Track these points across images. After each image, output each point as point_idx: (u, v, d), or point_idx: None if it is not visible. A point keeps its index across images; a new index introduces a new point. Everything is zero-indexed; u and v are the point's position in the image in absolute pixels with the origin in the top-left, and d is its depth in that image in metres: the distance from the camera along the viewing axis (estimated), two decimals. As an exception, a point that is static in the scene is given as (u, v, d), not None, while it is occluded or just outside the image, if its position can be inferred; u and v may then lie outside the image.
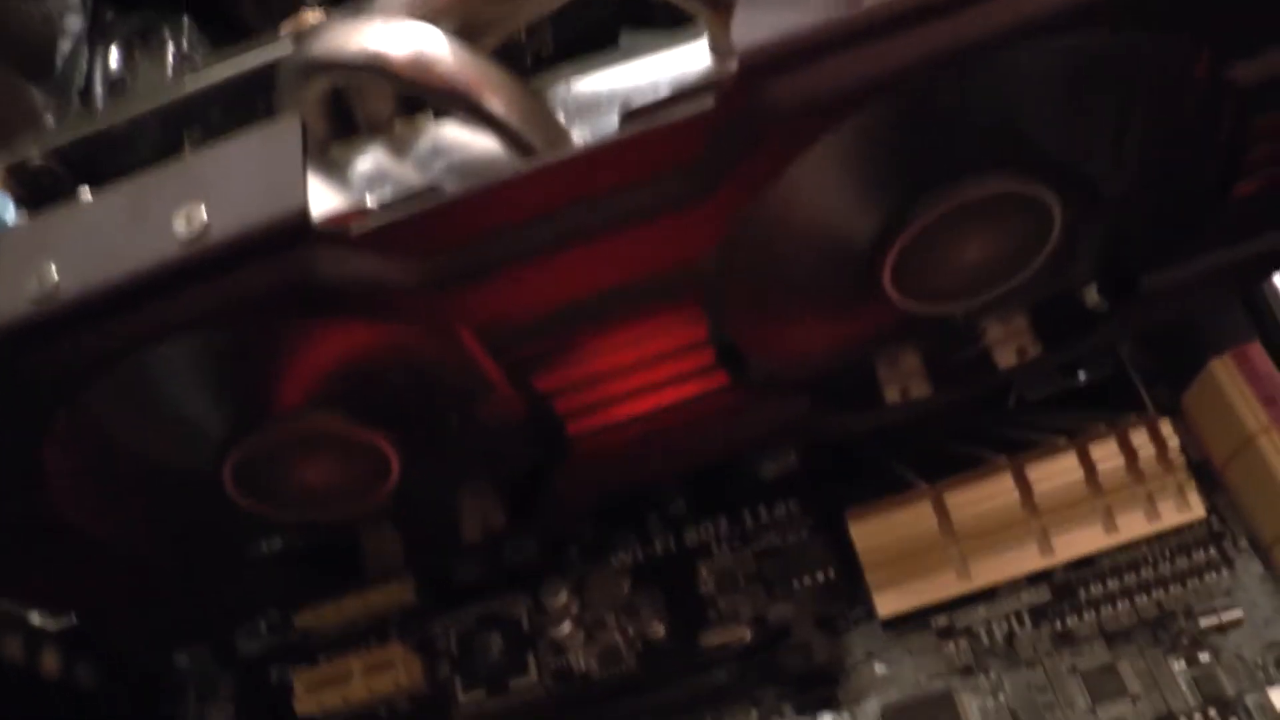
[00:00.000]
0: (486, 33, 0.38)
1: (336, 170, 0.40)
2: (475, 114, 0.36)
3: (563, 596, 0.58)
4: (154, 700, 0.63)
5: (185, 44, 0.63)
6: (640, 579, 0.59)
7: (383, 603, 0.60)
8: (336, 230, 0.35)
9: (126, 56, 0.64)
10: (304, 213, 0.34)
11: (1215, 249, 0.48)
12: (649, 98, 0.35)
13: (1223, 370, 0.55)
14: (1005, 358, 0.52)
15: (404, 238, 0.36)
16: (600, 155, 0.35)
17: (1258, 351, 0.54)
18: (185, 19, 0.62)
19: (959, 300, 0.45)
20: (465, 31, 0.38)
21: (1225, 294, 0.55)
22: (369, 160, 0.40)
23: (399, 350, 0.41)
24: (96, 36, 0.65)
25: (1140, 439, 0.55)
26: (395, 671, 0.58)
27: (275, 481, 0.45)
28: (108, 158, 0.44)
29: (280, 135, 0.35)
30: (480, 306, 0.38)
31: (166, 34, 0.63)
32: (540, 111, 0.37)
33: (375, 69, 0.36)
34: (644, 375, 0.43)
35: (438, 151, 0.39)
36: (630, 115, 0.35)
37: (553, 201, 0.36)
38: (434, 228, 0.36)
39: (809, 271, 0.42)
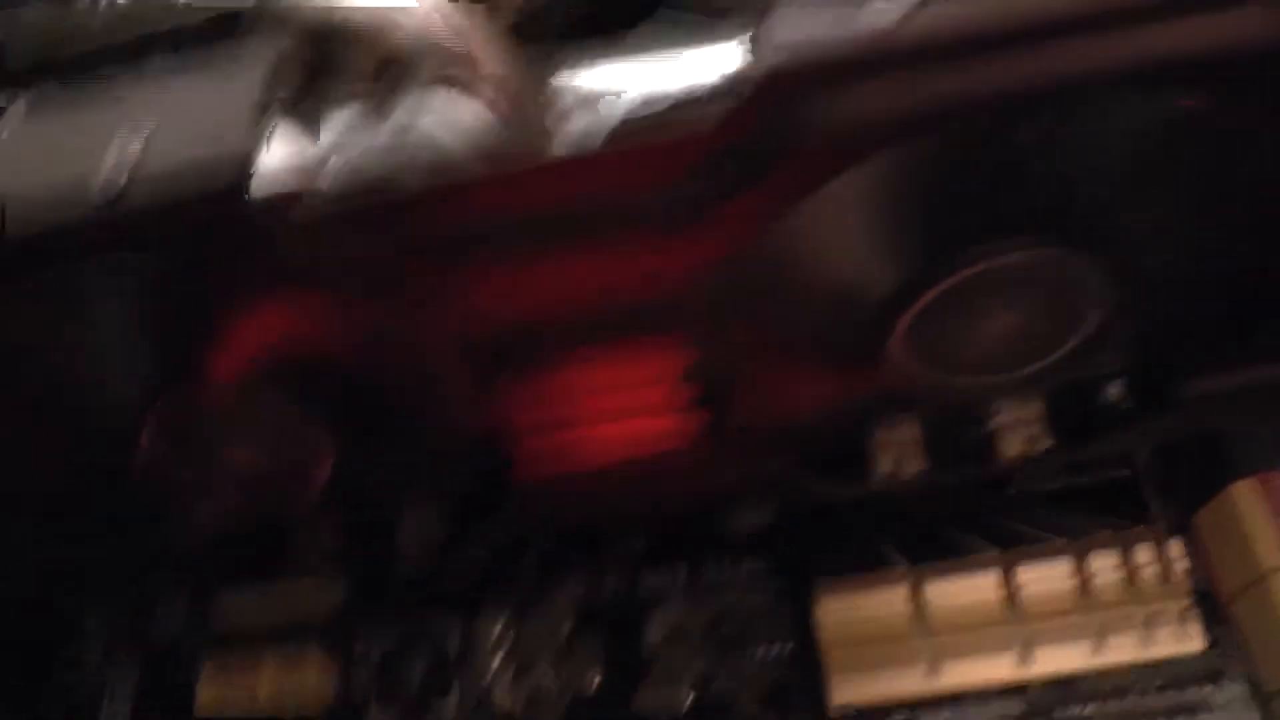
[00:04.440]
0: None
1: (306, 120, 0.36)
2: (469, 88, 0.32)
3: (498, 626, 0.54)
4: (48, 660, 0.58)
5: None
6: (584, 620, 0.54)
7: (309, 601, 0.56)
8: (275, 206, 0.31)
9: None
10: (246, 171, 0.30)
11: (1267, 364, 0.43)
12: (659, 94, 0.31)
13: (1245, 494, 0.50)
14: (1012, 445, 0.48)
15: (346, 227, 0.32)
16: (579, 164, 0.31)
17: (1288, 480, 0.50)
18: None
19: (974, 376, 0.41)
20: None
21: (1265, 415, 0.50)
22: (344, 117, 0.36)
23: (347, 334, 0.37)
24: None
25: (1145, 555, 0.50)
26: (308, 676, 0.54)
27: (200, 453, 0.41)
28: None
29: (238, 88, 0.32)
30: (433, 304, 0.34)
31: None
32: (536, 100, 0.32)
33: (364, 27, 0.31)
34: (612, 400, 0.39)
35: (421, 115, 0.35)
36: (624, 121, 0.31)
37: (521, 208, 0.32)
38: (382, 221, 0.32)
39: (811, 320, 0.38)
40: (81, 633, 0.58)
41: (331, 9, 0.32)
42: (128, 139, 0.31)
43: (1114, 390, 0.46)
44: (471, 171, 0.31)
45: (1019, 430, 0.48)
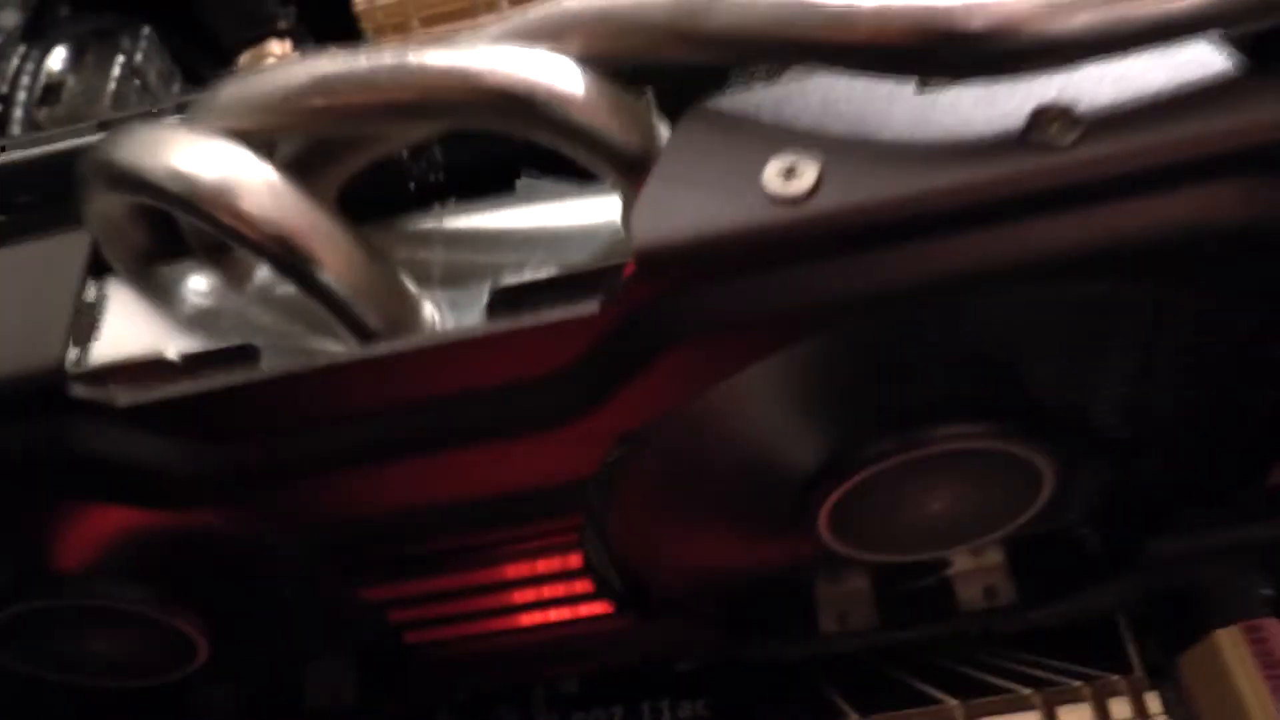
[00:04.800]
0: (351, 153, 0.30)
1: (154, 294, 0.32)
2: (296, 276, 0.28)
3: (417, 774, 0.50)
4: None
5: (139, 55, 0.56)
6: (510, 765, 0.50)
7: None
8: (99, 401, 0.27)
9: (75, 59, 0.56)
10: (58, 372, 0.26)
11: (1243, 525, 0.39)
12: (530, 271, 0.27)
13: (1229, 644, 0.46)
14: (970, 596, 0.44)
15: (192, 417, 0.28)
16: (454, 350, 0.27)
17: (1275, 630, 0.45)
18: (145, 28, 0.55)
19: (915, 551, 0.37)
20: (324, 152, 0.30)
21: (1250, 569, 0.45)
22: (192, 290, 0.32)
23: (200, 535, 0.33)
24: (36, 34, 0.58)
25: (1121, 709, 0.46)
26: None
27: (62, 648, 0.37)
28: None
29: (58, 260, 0.28)
30: (290, 506, 0.30)
31: (123, 41, 0.56)
32: (385, 281, 0.28)
33: (174, 197, 0.27)
34: (501, 597, 0.35)
35: (268, 291, 0.31)
36: (500, 296, 0.27)
37: (388, 399, 0.28)
38: (230, 411, 0.28)
39: (720, 502, 0.34)
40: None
41: (176, 176, 0.28)
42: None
43: (1081, 542, 0.42)
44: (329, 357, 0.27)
45: (978, 580, 0.44)
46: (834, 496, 0.32)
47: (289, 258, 0.28)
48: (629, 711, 0.51)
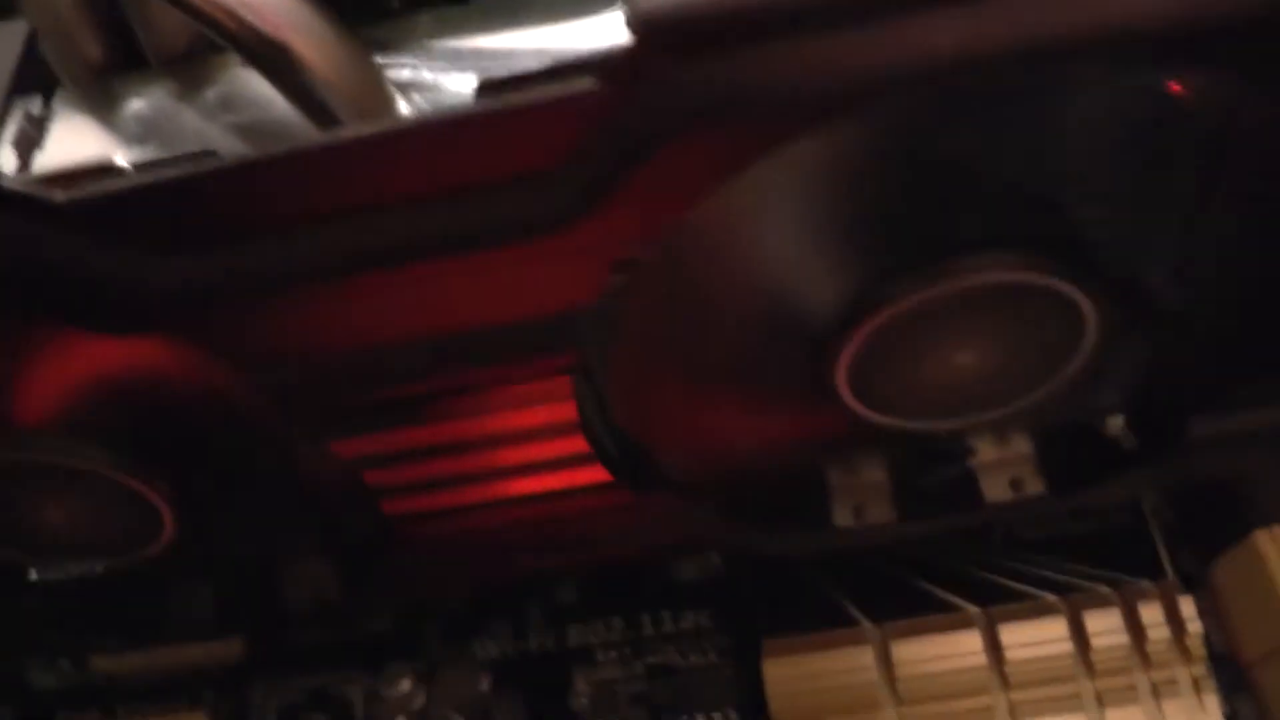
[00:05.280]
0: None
1: (103, 108, 0.29)
2: (270, 67, 0.25)
3: (405, 685, 0.47)
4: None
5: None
6: (502, 678, 0.47)
7: (200, 657, 0.49)
8: (36, 196, 0.24)
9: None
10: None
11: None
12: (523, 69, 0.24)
13: (1269, 543, 0.43)
14: (995, 489, 0.41)
15: (145, 215, 0.25)
16: (433, 136, 0.24)
17: (1319, 528, 0.42)
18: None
19: (940, 419, 0.34)
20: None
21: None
22: (145, 102, 0.29)
23: (157, 373, 0.30)
24: None
25: (1152, 614, 0.43)
26: (193, 746, 0.47)
27: (20, 516, 0.34)
28: None
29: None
30: (248, 336, 0.27)
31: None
32: (365, 79, 0.26)
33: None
34: (494, 456, 0.32)
35: (230, 103, 0.28)
36: (486, 88, 0.24)
37: (361, 197, 0.24)
38: (186, 210, 0.25)
39: (729, 349, 0.31)
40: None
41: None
42: None
43: (1113, 429, 0.39)
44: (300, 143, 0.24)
45: (1004, 471, 0.41)
46: (855, 342, 0.29)
47: (262, 43, 0.25)
48: (629, 623, 0.48)
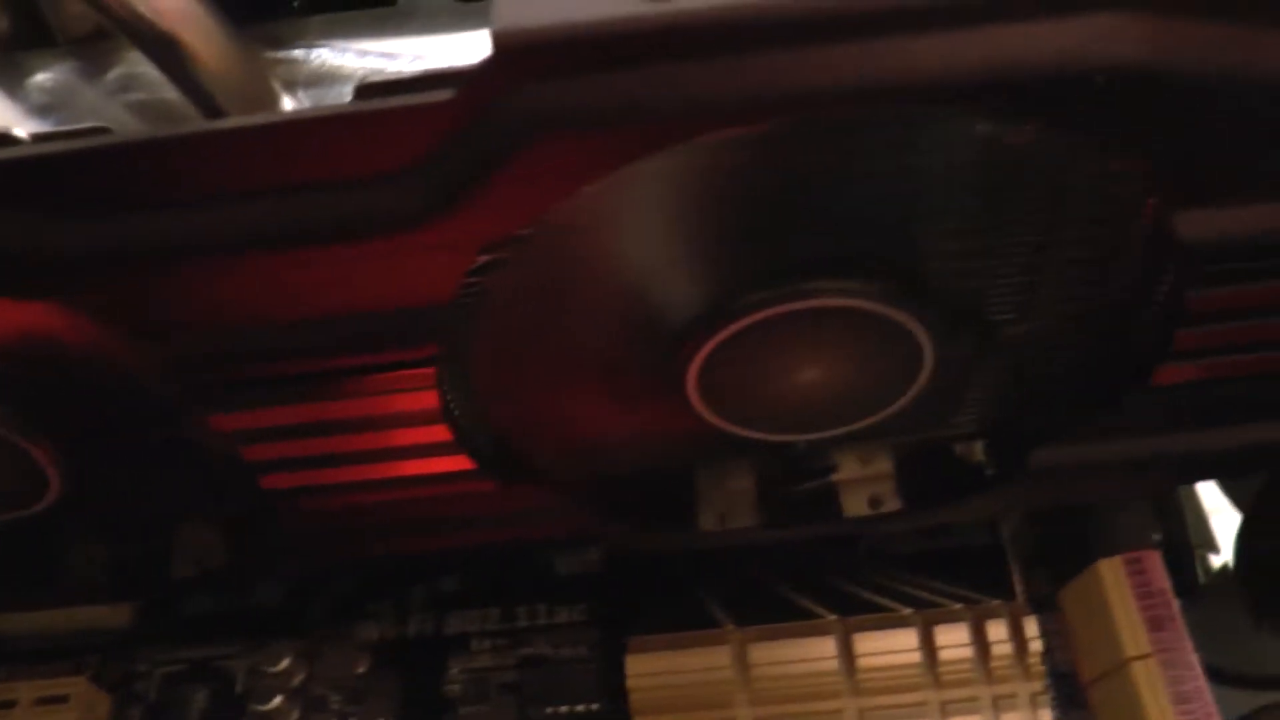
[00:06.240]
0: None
1: (8, 82, 0.30)
2: (159, 56, 0.26)
3: (285, 662, 0.48)
4: None
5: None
6: (381, 661, 0.49)
7: (89, 621, 0.50)
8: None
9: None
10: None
11: (1126, 437, 0.38)
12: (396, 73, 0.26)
13: (1110, 574, 0.45)
14: (854, 504, 0.43)
15: (37, 187, 0.26)
16: (306, 130, 0.25)
17: (1155, 562, 0.45)
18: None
19: (787, 432, 0.36)
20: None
21: (1130, 491, 0.45)
22: (49, 78, 0.30)
23: (43, 336, 0.31)
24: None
25: (998, 631, 0.45)
26: (70, 709, 0.48)
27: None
28: None
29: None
30: (131, 304, 0.28)
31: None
32: (250, 74, 0.27)
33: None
34: (363, 439, 0.33)
35: (130, 84, 0.30)
36: (364, 90, 0.26)
37: (239, 180, 0.26)
38: (79, 182, 0.26)
39: (591, 345, 0.33)
40: None
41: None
42: None
43: (969, 453, 0.42)
44: (191, 128, 0.26)
45: (864, 488, 0.43)
46: (704, 351, 0.31)
47: (153, 34, 0.26)
48: (505, 613, 0.50)
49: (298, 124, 0.25)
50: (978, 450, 0.42)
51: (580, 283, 0.30)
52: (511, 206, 0.26)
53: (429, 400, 0.32)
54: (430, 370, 0.31)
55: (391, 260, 0.27)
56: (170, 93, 0.30)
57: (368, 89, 0.25)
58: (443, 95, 0.24)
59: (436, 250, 0.27)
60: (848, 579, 0.47)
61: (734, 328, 0.31)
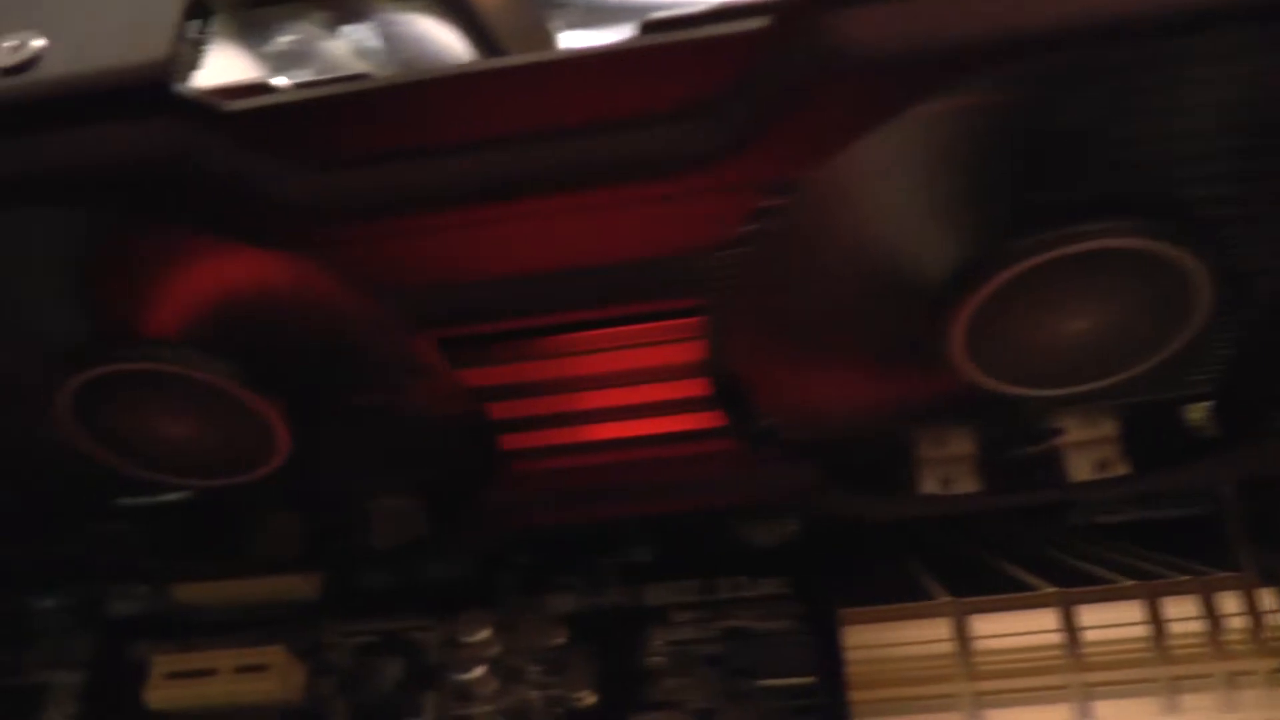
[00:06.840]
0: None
1: (251, 37, 0.30)
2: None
3: (483, 633, 0.48)
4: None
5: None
6: (578, 632, 0.48)
7: (278, 592, 0.51)
8: (205, 103, 0.25)
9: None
10: (166, 68, 0.24)
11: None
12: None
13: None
14: (1080, 469, 0.41)
15: (301, 131, 0.26)
16: (587, 67, 0.24)
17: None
18: None
19: (1041, 386, 0.34)
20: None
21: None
22: (294, 35, 0.30)
23: (289, 292, 0.31)
24: None
25: (1230, 605, 0.43)
26: (269, 678, 0.48)
27: (127, 425, 0.35)
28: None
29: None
30: (395, 252, 0.28)
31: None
32: (525, 9, 0.26)
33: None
34: (611, 395, 0.33)
35: (381, 38, 0.29)
36: (651, 26, 0.25)
37: (511, 123, 0.25)
38: (344, 126, 0.26)
39: (851, 304, 0.32)
40: (24, 632, 0.53)
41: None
42: (27, 37, 0.26)
43: (1199, 415, 0.40)
44: (460, 69, 0.25)
45: (1090, 451, 0.41)
46: (973, 305, 0.30)
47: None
48: (704, 585, 0.49)
49: (584, 61, 0.24)
50: (1206, 413, 0.40)
51: (846, 239, 0.29)
52: (799, 147, 0.25)
53: (684, 354, 0.31)
54: (692, 321, 0.30)
55: (671, 205, 0.26)
56: (420, 49, 0.29)
57: (656, 25, 0.24)
58: (747, 26, 0.23)
59: (719, 193, 0.26)
60: (1063, 549, 0.46)
61: (1004, 279, 0.29)
